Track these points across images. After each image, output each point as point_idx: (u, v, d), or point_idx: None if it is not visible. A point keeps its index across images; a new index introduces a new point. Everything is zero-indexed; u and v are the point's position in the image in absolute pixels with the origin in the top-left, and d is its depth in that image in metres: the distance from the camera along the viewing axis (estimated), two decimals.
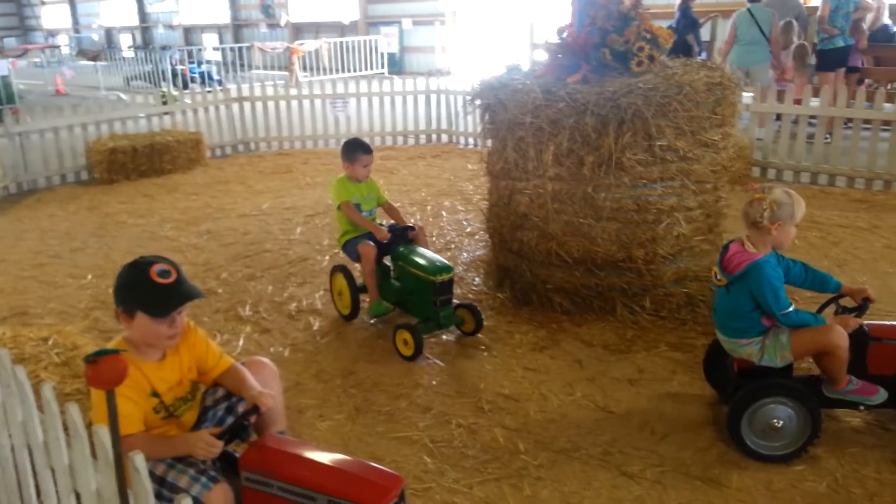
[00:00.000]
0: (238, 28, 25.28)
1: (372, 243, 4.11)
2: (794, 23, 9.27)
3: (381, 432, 3.19)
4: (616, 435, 3.14)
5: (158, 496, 2.08)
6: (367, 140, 9.56)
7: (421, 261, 3.98)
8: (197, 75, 16.84)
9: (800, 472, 2.85)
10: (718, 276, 2.99)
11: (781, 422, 2.89)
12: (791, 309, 2.84)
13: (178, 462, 2.15)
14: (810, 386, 2.98)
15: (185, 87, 14.58)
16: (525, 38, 12.34)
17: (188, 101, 9.46)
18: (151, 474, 2.13)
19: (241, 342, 4.10)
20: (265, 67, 18.95)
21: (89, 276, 5.18)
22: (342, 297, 4.34)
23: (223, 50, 19.86)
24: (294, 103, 9.74)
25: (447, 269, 3.91)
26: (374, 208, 4.42)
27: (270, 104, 9.67)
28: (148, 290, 2.18)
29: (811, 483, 2.79)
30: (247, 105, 9.64)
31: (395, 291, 4.16)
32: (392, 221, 4.42)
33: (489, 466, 2.94)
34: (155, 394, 2.25)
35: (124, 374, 1.72)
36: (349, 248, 4.28)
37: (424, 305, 3.94)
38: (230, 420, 2.38)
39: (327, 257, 5.41)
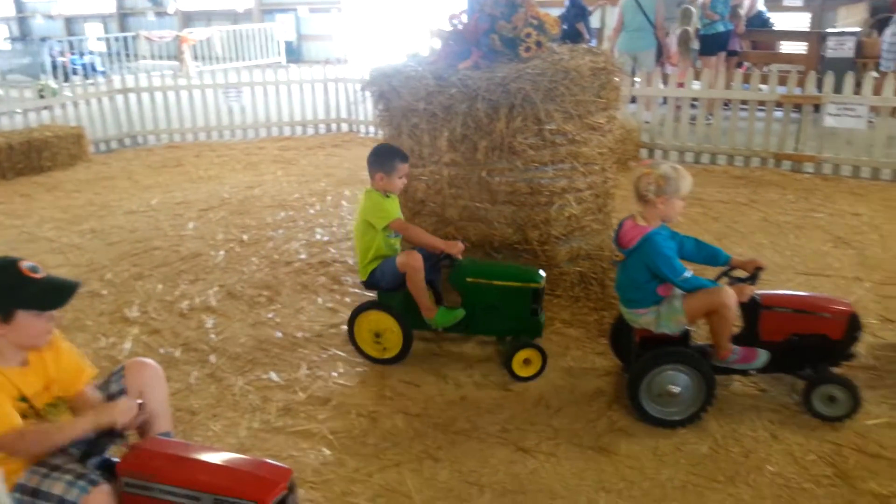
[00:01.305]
0: (124, 17, 24.00)
1: (418, 253, 3.52)
2: (692, 9, 9.64)
3: (279, 428, 3.13)
4: (513, 412, 3.21)
5: None
6: (264, 131, 9.57)
7: (507, 270, 3.64)
8: (79, 67, 15.95)
9: (683, 435, 3.01)
10: (617, 252, 3.09)
11: (678, 388, 3.03)
12: (689, 274, 2.97)
13: (53, 471, 2.03)
14: (705, 353, 3.14)
15: (67, 79, 13.79)
16: (423, 24, 12.37)
17: (68, 93, 8.93)
18: (24, 487, 2.01)
19: (128, 345, 3.92)
20: (153, 57, 18.12)
21: None
22: (384, 339, 3.62)
23: (108, 40, 18.84)
24: (184, 93, 9.36)
25: (539, 271, 3.61)
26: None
27: (158, 95, 9.26)
28: (29, 287, 2.09)
29: (694, 445, 2.94)
30: (132, 96, 9.19)
31: (457, 315, 3.59)
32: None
33: (389, 453, 2.94)
34: (23, 398, 2.12)
35: None
36: (377, 271, 3.59)
37: (517, 318, 3.54)
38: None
39: (222, 252, 5.25)
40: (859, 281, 4.51)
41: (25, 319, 2.09)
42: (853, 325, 3.10)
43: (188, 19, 21.83)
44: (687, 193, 3.04)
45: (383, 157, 3.64)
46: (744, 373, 3.21)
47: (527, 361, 3.48)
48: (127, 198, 6.78)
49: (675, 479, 2.75)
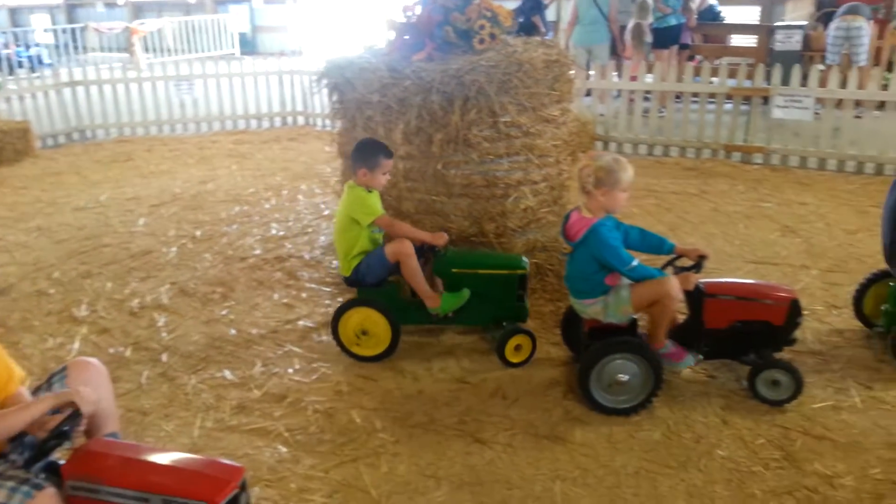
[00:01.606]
0: (72, 8, 23.29)
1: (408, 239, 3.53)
2: (649, 2, 9.73)
3: (233, 426, 3.08)
4: (470, 404, 3.22)
5: None
6: (217, 124, 9.40)
7: (492, 259, 3.74)
8: (25, 59, 15.43)
9: (637, 422, 3.06)
10: (565, 245, 3.12)
11: (626, 376, 3.08)
12: (635, 263, 3.01)
13: None
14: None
15: (12, 72, 13.35)
16: (379, 16, 12.23)
17: (13, 87, 8.65)
18: None
19: (76, 345, 3.82)
20: (103, 49, 17.65)
21: None
22: (371, 336, 3.57)
23: (55, 32, 18.26)
24: (134, 86, 9.13)
25: (522, 258, 3.73)
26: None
27: (107, 88, 9.02)
28: None
29: (647, 432, 3.00)
30: (81, 90, 8.93)
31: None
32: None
33: (346, 448, 2.93)
34: None
35: None
36: (362, 265, 3.57)
37: (503, 304, 3.61)
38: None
39: (174, 249, 5.14)
40: (806, 268, 4.64)
41: None
42: (794, 311, 3.19)
43: (139, 10, 21.30)
44: (628, 185, 3.04)
45: (367, 153, 3.57)
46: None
47: (518, 347, 3.54)
48: (75, 194, 6.60)
49: (628, 465, 2.80)
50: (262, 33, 19.57)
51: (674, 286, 3.01)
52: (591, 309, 3.16)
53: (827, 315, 4.01)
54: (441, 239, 3.60)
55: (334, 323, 3.61)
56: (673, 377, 3.36)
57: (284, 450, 2.92)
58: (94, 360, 2.42)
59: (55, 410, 2.08)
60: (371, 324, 3.56)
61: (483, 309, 3.64)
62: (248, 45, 18.93)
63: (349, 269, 3.62)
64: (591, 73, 8.59)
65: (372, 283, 3.60)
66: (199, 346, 3.78)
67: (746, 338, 3.23)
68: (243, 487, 1.98)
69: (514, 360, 3.53)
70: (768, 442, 2.93)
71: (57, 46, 17.17)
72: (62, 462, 2.11)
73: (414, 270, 3.51)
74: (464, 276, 3.61)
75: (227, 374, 3.51)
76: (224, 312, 4.16)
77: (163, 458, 2.03)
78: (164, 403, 3.27)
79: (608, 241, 3.00)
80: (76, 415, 2.07)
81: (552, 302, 4.12)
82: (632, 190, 3.14)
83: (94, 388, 2.26)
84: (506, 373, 3.48)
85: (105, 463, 2.00)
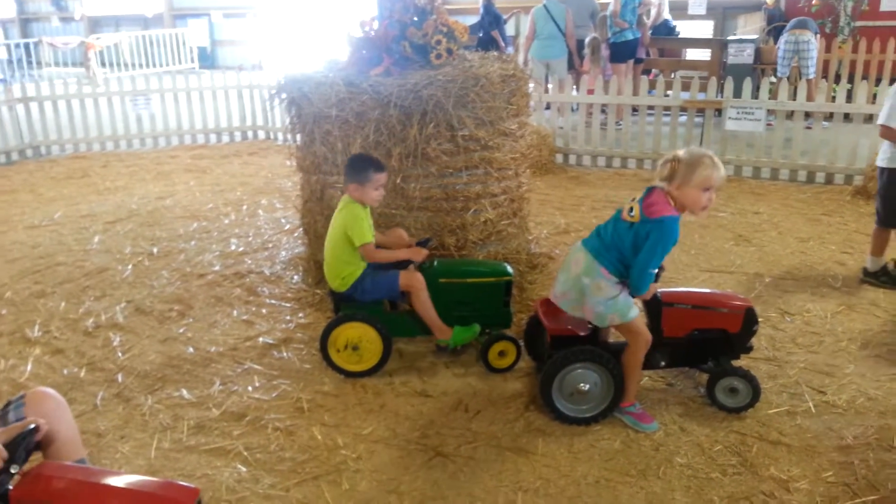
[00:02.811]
0: (26, 22, 22.81)
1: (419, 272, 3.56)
2: (608, 17, 9.89)
3: (191, 447, 3.03)
4: (432, 418, 3.21)
5: None
6: (176, 139, 9.28)
7: (478, 268, 3.75)
8: None
9: (597, 432, 3.08)
10: (633, 213, 2.91)
11: (588, 386, 3.11)
12: (653, 272, 2.95)
13: None
14: (614, 352, 3.20)
15: None
16: (339, 30, 12.26)
17: None
18: None
19: (28, 366, 3.71)
20: (58, 64, 17.32)
21: None
22: (362, 351, 3.54)
23: (8, 46, 17.86)
24: (89, 101, 8.97)
25: (506, 265, 3.79)
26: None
27: (62, 103, 8.84)
28: None
29: (607, 441, 3.02)
30: (35, 105, 8.74)
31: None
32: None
33: (307, 466, 2.89)
34: None
35: None
36: (364, 282, 3.54)
37: (489, 311, 3.66)
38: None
39: (130, 266, 5.05)
40: (760, 276, 4.74)
41: None
42: (750, 319, 3.26)
43: (96, 25, 20.97)
44: (707, 183, 2.78)
45: (357, 167, 3.54)
46: (653, 367, 3.31)
47: (502, 353, 3.57)
48: (29, 212, 6.44)
49: (588, 475, 2.82)
50: (222, 47, 19.41)
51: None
52: (597, 283, 2.95)
53: (780, 322, 4.10)
54: (419, 255, 3.61)
55: (323, 339, 3.57)
56: None
57: (244, 469, 2.88)
58: (51, 390, 2.34)
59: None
60: (363, 339, 3.53)
61: (471, 317, 3.68)
62: (207, 59, 18.76)
63: (345, 285, 3.56)
64: (550, 86, 8.69)
65: (370, 300, 3.58)
66: (156, 366, 3.71)
67: (704, 346, 3.29)
68: None
69: (498, 365, 3.57)
70: (725, 448, 2.98)
71: (10, 62, 16.80)
72: (10, 487, 2.04)
73: (425, 303, 3.53)
74: (452, 285, 3.63)
75: (185, 393, 3.45)
76: (181, 330, 4.09)
77: (116, 481, 1.98)
78: (119, 425, 3.19)
79: (670, 243, 2.84)
80: (28, 435, 2.02)
81: (516, 314, 4.13)
82: (718, 193, 2.91)
83: (54, 419, 2.20)
84: (468, 385, 3.48)
85: (55, 486, 1.94)
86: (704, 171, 2.77)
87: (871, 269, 4.60)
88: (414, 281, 3.51)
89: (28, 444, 2.04)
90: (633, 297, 3.05)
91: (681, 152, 2.84)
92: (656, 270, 2.94)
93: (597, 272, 3.00)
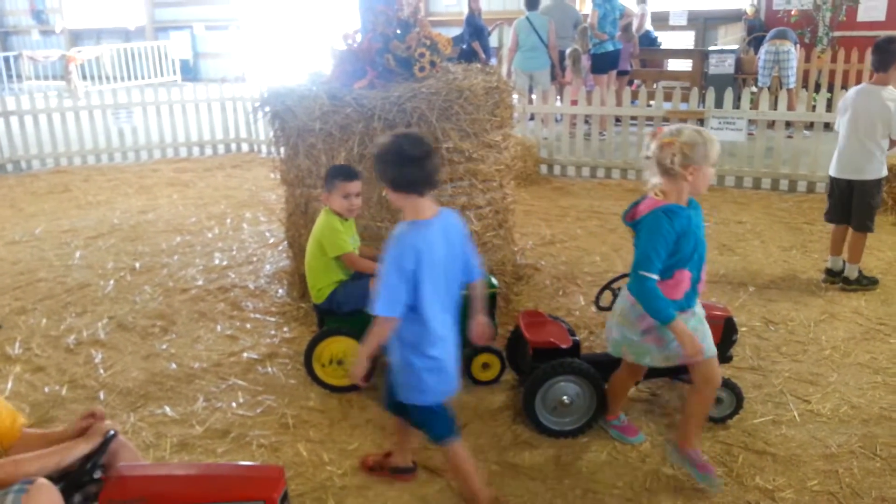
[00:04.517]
0: (5, 35, 22.63)
1: None
2: (588, 29, 9.97)
3: None
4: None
5: None
6: (158, 152, 9.22)
7: None
8: None
9: (584, 444, 3.08)
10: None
11: (570, 398, 3.10)
12: (654, 278, 2.56)
13: None
14: (595, 364, 3.20)
15: None
16: (323, 43, 12.24)
17: None
18: None
19: (9, 384, 3.66)
20: (38, 78, 17.17)
21: None
22: (346, 366, 3.48)
23: None
24: (70, 115, 8.89)
25: (492, 277, 3.77)
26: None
27: (42, 117, 8.76)
28: None
29: (594, 453, 3.02)
30: (14, 119, 8.65)
31: None
32: None
33: (292, 483, 2.86)
34: None
35: None
36: (338, 294, 3.53)
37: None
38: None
39: (112, 282, 4.99)
40: (744, 286, 4.77)
41: None
42: (729, 329, 3.27)
43: (77, 38, 20.82)
44: (717, 160, 2.62)
45: (328, 176, 3.58)
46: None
47: (485, 366, 3.56)
48: (9, 227, 6.37)
49: (576, 487, 2.81)
50: (205, 60, 19.34)
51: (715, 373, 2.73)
52: (622, 307, 2.74)
53: (765, 331, 4.12)
54: None
55: (308, 354, 3.55)
56: None
57: None
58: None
59: None
60: (348, 353, 3.49)
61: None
62: (189, 72, 18.68)
63: (320, 297, 3.56)
64: (534, 97, 8.73)
65: (347, 312, 3.54)
66: (138, 383, 3.67)
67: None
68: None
69: (482, 377, 3.56)
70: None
71: None
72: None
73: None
74: None
75: (168, 410, 3.41)
76: (164, 346, 4.05)
77: (201, 470, 2.02)
78: None
79: (661, 232, 2.55)
80: (108, 441, 2.04)
81: (500, 326, 4.12)
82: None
83: None
84: (455, 399, 3.44)
85: (143, 484, 1.96)
86: (714, 144, 2.61)
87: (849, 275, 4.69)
88: None
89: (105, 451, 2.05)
90: (659, 320, 2.62)
91: (678, 136, 2.57)
92: (655, 278, 2.57)
93: (624, 296, 2.83)
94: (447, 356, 2.48)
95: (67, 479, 1.96)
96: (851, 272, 4.66)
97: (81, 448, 2.00)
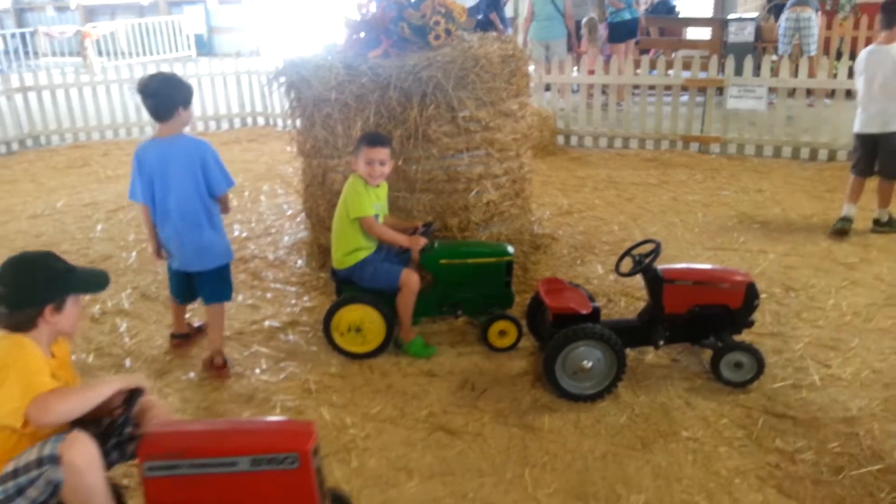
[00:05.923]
0: (21, 12, 22.68)
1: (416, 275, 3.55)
2: None
3: None
4: (439, 396, 3.23)
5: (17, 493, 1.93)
6: None
7: (478, 249, 3.80)
8: None
9: (603, 408, 3.10)
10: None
11: (591, 363, 3.12)
12: None
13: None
14: (616, 329, 3.22)
15: None
16: (337, 13, 12.13)
17: None
18: (4, 476, 1.94)
19: None
20: (54, 54, 17.24)
21: None
22: (365, 333, 3.55)
23: (4, 37, 17.79)
24: (88, 90, 8.94)
25: (507, 245, 3.83)
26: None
27: (60, 93, 8.82)
28: (76, 273, 2.21)
29: (613, 417, 3.04)
30: (33, 95, 8.71)
31: (435, 298, 3.69)
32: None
33: None
34: None
35: None
36: (366, 269, 3.56)
37: (491, 292, 3.68)
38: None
39: (133, 254, 5.06)
40: (764, 253, 4.75)
41: (71, 306, 2.17)
42: (751, 294, 3.27)
43: (91, 14, 20.85)
44: None
45: (357, 141, 3.62)
46: (654, 344, 3.32)
47: (502, 333, 3.61)
48: (31, 201, 6.45)
49: (595, 450, 2.84)
50: (219, 34, 19.30)
51: None
52: None
53: (785, 297, 4.11)
54: (417, 244, 3.57)
55: (326, 321, 3.59)
56: (637, 363, 3.42)
57: None
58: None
59: None
60: (365, 321, 3.54)
61: (470, 298, 3.70)
62: (204, 47, 18.66)
63: (343, 264, 3.59)
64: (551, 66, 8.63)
65: (367, 286, 3.59)
66: (163, 350, 3.73)
67: (706, 321, 3.30)
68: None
69: (499, 344, 3.60)
70: (731, 422, 3.00)
71: (6, 52, 16.74)
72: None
73: (408, 303, 3.54)
74: (453, 266, 3.66)
75: (192, 376, 3.47)
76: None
77: (234, 425, 2.09)
78: None
79: None
80: (137, 395, 2.11)
81: (518, 294, 4.13)
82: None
83: None
84: (473, 365, 3.50)
85: (180, 438, 2.02)
86: None
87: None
88: (410, 281, 3.51)
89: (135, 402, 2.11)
90: None
91: None
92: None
93: None
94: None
95: (101, 436, 2.02)
96: (882, 215, 4.99)
97: (116, 384, 2.08)
